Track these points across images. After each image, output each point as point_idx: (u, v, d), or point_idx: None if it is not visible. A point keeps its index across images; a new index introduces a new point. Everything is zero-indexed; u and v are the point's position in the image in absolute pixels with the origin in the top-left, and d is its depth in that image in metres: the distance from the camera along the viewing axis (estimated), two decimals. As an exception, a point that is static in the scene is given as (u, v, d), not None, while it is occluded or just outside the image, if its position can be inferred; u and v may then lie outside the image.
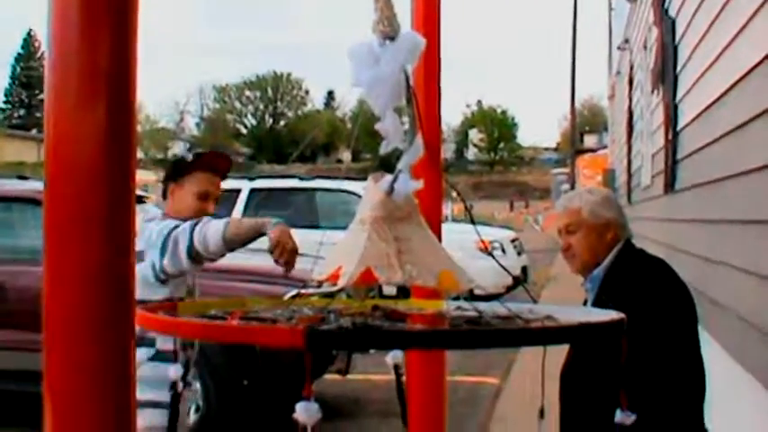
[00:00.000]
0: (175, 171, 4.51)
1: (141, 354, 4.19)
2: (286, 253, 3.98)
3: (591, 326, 1.87)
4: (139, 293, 4.23)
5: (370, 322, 1.76)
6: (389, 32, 2.00)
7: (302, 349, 1.47)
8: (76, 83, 1.65)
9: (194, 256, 4.12)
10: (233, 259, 4.79)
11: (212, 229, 4.09)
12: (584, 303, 4.10)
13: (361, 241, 1.84)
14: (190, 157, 4.53)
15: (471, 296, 2.04)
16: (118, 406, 1.68)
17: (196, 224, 4.12)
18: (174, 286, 4.28)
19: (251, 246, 4.22)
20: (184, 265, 4.17)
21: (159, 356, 4.24)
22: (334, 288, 1.86)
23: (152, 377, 4.15)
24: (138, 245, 4.16)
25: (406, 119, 1.99)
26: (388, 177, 1.90)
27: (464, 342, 1.73)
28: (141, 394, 4.06)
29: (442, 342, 1.76)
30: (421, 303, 2.37)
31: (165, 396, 4.09)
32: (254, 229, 4.09)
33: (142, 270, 4.19)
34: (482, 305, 2.08)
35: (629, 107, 16.69)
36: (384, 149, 1.92)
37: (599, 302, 3.82)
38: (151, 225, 4.27)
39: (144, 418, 4.07)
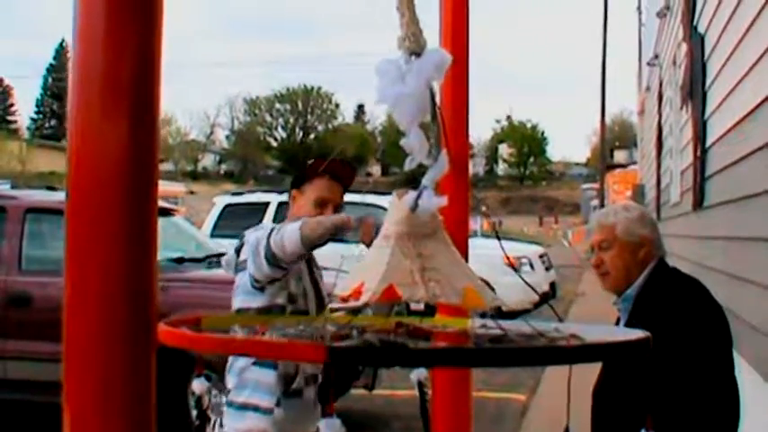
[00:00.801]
0: (297, 178, 4.53)
1: (248, 358, 4.25)
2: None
3: (616, 345, 1.85)
4: (241, 301, 4.35)
5: (393, 339, 1.75)
6: (415, 48, 1.99)
7: (326, 364, 1.46)
8: (100, 95, 1.65)
9: (273, 260, 4.09)
10: None
11: (288, 231, 4.06)
12: (617, 322, 4.06)
13: (384, 257, 1.82)
14: (312, 161, 4.53)
15: (499, 312, 2.03)
16: (137, 420, 1.67)
17: (273, 228, 4.13)
18: (271, 294, 4.28)
19: None
20: (266, 271, 4.14)
21: (261, 362, 4.27)
22: (358, 303, 1.85)
23: (255, 381, 4.28)
24: (243, 254, 4.24)
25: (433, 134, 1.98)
26: (413, 193, 1.89)
27: (484, 360, 1.71)
28: (245, 397, 4.25)
29: (462, 360, 1.74)
30: (446, 321, 2.36)
31: (265, 402, 4.26)
32: (335, 225, 4.07)
33: (243, 278, 4.29)
34: (507, 323, 2.07)
35: (659, 123, 16.64)
36: (409, 165, 1.91)
37: (632, 323, 3.78)
38: (254, 234, 4.30)
39: (245, 421, 4.25)
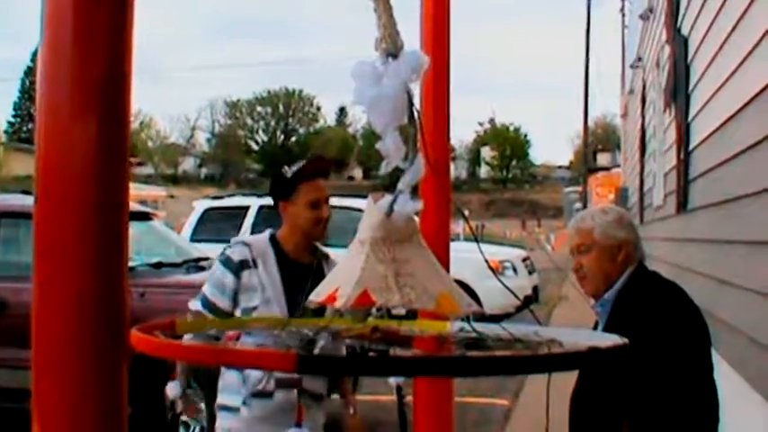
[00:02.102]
0: (282, 190, 4.63)
1: None
2: None
3: (596, 352, 1.83)
4: None
5: (367, 346, 1.74)
6: (392, 50, 1.98)
7: (294, 372, 1.45)
8: (69, 96, 1.63)
9: None
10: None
11: None
12: (595, 326, 4.06)
13: (358, 263, 1.81)
14: (289, 172, 4.61)
15: (483, 316, 2.02)
16: (108, 427, 1.65)
17: None
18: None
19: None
20: None
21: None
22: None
23: (225, 383, 4.51)
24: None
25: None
26: (388, 197, 1.88)
27: (460, 369, 1.69)
28: (220, 399, 4.47)
29: (437, 369, 1.73)
30: (424, 324, 2.35)
31: (231, 401, 4.47)
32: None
33: None
34: (485, 327, 2.06)
35: (642, 126, 16.67)
36: (384, 169, 1.91)
37: (610, 327, 3.78)
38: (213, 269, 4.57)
39: (220, 421, 4.50)
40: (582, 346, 1.82)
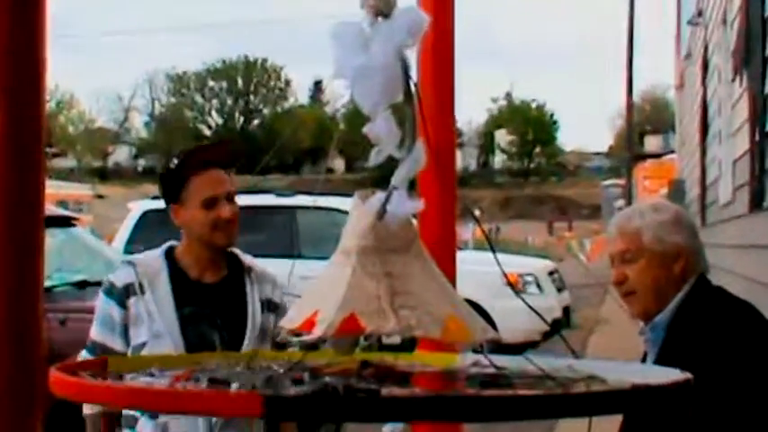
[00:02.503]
0: (168, 187, 4.52)
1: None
2: None
3: (648, 391, 1.83)
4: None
5: (354, 384, 1.73)
6: (382, 7, 1.99)
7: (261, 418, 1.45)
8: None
9: None
10: None
11: None
12: (644, 358, 4.04)
13: (343, 278, 1.82)
14: (174, 163, 4.51)
15: (499, 346, 2.02)
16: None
17: None
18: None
19: None
20: None
21: (127, 423, 4.39)
22: (311, 337, 1.84)
23: None
24: None
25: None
26: (380, 196, 1.88)
27: (476, 412, 1.69)
28: None
29: (446, 412, 1.72)
30: (427, 357, 2.35)
31: None
32: None
33: None
34: (506, 360, 2.06)
35: (704, 100, 16.70)
36: (375, 160, 1.91)
37: (663, 358, 3.76)
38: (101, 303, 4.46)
39: None
40: (631, 384, 1.82)
